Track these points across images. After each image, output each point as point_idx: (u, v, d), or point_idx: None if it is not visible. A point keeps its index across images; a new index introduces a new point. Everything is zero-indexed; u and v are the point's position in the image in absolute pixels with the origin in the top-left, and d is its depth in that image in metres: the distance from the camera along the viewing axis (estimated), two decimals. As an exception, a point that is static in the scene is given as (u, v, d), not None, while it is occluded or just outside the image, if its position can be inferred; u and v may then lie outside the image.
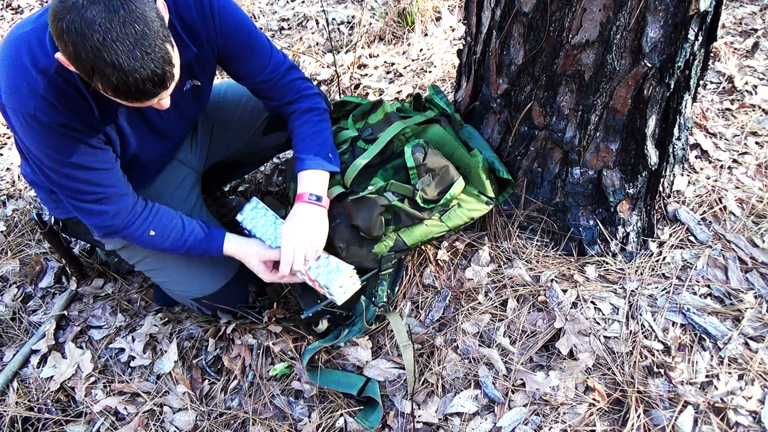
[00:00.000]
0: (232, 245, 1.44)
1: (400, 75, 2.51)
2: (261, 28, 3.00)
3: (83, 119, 1.17)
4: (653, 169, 1.47)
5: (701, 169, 1.75)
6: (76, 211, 1.34)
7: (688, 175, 1.72)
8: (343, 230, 1.42)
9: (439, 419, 1.34)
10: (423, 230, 1.44)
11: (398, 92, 2.37)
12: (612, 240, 1.56)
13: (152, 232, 1.36)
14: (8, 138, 2.58)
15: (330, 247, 1.43)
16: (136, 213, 1.34)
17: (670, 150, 1.49)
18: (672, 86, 1.34)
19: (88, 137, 1.20)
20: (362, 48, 2.72)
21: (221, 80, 1.79)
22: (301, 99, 1.48)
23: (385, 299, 1.50)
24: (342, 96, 2.39)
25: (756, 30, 2.27)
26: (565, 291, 1.49)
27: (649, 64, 1.28)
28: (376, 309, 1.49)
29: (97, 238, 1.51)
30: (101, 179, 1.27)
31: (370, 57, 2.67)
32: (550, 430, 1.27)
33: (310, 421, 1.40)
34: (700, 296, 1.45)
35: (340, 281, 1.33)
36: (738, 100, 1.97)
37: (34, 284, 1.91)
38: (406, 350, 1.39)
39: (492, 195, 1.50)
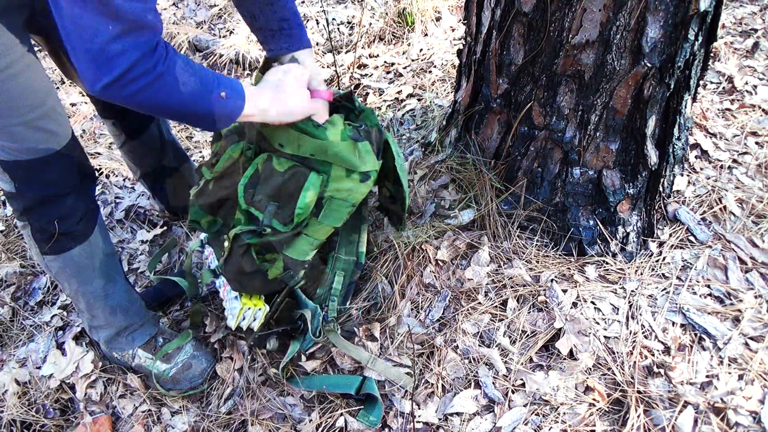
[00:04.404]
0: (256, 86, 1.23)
1: (400, 75, 2.51)
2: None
3: None
4: (653, 169, 1.47)
5: (701, 169, 1.75)
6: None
7: (688, 175, 1.72)
8: (231, 269, 1.37)
9: (439, 419, 1.34)
10: (306, 240, 1.32)
11: (398, 92, 2.37)
12: (612, 240, 1.56)
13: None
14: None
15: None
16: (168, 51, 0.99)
17: (670, 150, 1.49)
18: (672, 86, 1.34)
19: None
20: (362, 48, 2.73)
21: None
22: None
23: (335, 315, 1.51)
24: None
25: (756, 30, 2.27)
26: (565, 291, 1.49)
27: (649, 64, 1.28)
28: (320, 323, 1.47)
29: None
30: None
31: (370, 57, 2.67)
32: (550, 430, 1.27)
33: (310, 421, 1.40)
34: (700, 296, 1.45)
35: (234, 312, 1.44)
36: (738, 100, 1.97)
37: (33, 284, 1.91)
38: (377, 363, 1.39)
39: (366, 168, 1.28)
